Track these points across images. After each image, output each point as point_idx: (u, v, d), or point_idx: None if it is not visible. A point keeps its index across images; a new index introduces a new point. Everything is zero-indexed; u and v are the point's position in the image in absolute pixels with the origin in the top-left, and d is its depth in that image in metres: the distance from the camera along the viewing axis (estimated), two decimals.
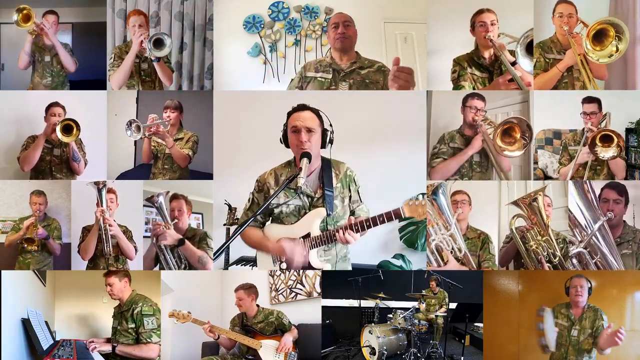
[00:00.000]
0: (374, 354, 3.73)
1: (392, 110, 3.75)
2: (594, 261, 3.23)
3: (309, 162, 2.78)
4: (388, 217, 2.79)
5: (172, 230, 3.34)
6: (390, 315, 3.98)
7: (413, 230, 3.83)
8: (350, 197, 2.98)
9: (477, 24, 3.55)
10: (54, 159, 3.70)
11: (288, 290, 3.92)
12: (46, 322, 3.44)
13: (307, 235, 2.90)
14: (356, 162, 3.03)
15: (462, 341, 3.78)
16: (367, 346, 3.81)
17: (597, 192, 3.34)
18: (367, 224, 2.79)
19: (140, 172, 3.86)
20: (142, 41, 3.64)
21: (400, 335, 3.87)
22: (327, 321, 3.74)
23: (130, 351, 3.24)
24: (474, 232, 3.49)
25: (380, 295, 3.91)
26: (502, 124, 3.38)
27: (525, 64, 3.51)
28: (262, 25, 3.99)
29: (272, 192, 2.91)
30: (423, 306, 3.85)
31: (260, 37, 4.00)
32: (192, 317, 3.45)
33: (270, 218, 3.01)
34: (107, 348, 3.25)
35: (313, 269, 2.92)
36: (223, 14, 3.92)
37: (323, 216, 2.88)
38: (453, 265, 3.30)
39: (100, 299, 3.49)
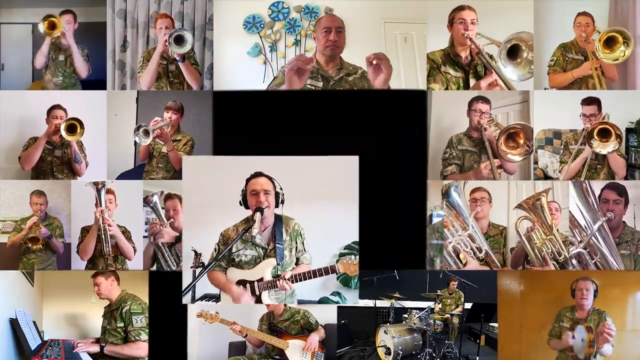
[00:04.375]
0: (389, 354, 3.75)
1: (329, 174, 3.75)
2: (593, 261, 3.25)
3: (262, 215, 3.32)
4: (325, 271, 3.41)
5: (168, 228, 3.45)
6: (406, 315, 3.97)
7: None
8: (296, 247, 3.49)
9: (457, 20, 3.50)
10: (55, 159, 3.70)
11: None
12: (34, 322, 3.45)
13: (261, 279, 3.43)
14: (302, 216, 3.53)
15: (478, 341, 3.79)
16: (382, 346, 3.82)
17: (597, 193, 3.36)
18: (307, 275, 3.40)
19: (140, 172, 3.83)
20: (166, 40, 3.66)
21: (415, 335, 3.87)
22: (343, 321, 3.76)
23: (119, 350, 3.27)
24: (496, 229, 3.46)
25: (395, 295, 3.92)
26: (508, 128, 3.38)
27: (509, 71, 3.40)
28: (262, 25, 3.98)
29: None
30: (439, 306, 3.86)
31: (260, 37, 4.00)
32: (219, 317, 3.49)
33: (232, 264, 3.48)
34: (95, 348, 3.27)
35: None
36: (223, 14, 3.91)
37: (274, 264, 3.43)
38: (473, 266, 3.31)
39: (88, 299, 3.50)
